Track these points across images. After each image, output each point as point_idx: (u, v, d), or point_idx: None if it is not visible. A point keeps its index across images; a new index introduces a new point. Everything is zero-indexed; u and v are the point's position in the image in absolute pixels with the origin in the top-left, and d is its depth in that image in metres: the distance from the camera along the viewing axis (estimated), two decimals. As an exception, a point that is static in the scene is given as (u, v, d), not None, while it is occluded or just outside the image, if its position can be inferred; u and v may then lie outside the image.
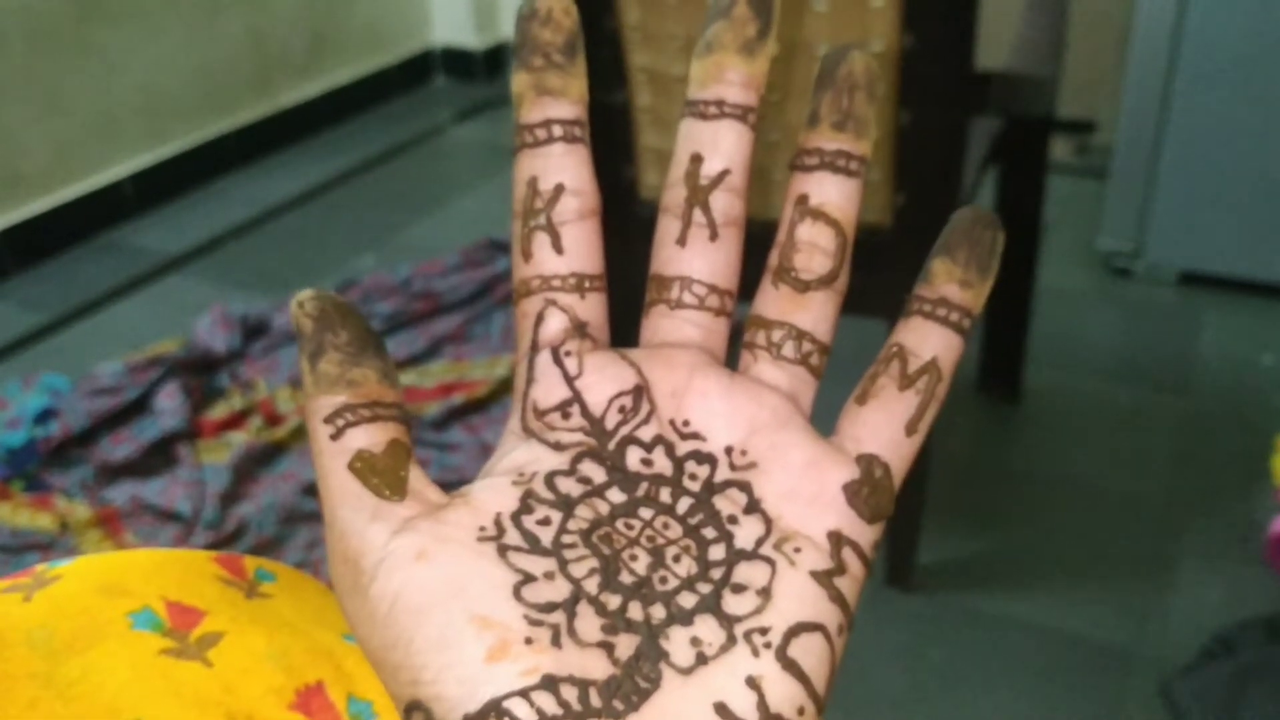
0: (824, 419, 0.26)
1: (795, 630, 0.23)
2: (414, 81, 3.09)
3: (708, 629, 0.23)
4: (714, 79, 0.27)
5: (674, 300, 0.27)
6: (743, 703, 0.22)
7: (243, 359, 1.85)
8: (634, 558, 0.24)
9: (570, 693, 0.22)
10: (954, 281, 0.26)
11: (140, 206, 2.39)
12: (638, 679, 0.22)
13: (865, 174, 0.27)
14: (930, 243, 0.27)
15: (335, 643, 0.36)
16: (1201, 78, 1.87)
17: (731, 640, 0.23)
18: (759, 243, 0.28)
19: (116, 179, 2.35)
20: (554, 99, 0.27)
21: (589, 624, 0.23)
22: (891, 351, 0.26)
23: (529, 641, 0.22)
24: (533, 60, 0.27)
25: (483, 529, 0.24)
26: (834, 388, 0.29)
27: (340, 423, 0.25)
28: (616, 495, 0.25)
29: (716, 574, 0.24)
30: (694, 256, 0.27)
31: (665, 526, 0.25)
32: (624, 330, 0.29)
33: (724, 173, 0.27)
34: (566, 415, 0.26)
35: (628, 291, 0.41)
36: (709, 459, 0.26)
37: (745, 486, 0.25)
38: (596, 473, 0.25)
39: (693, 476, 0.26)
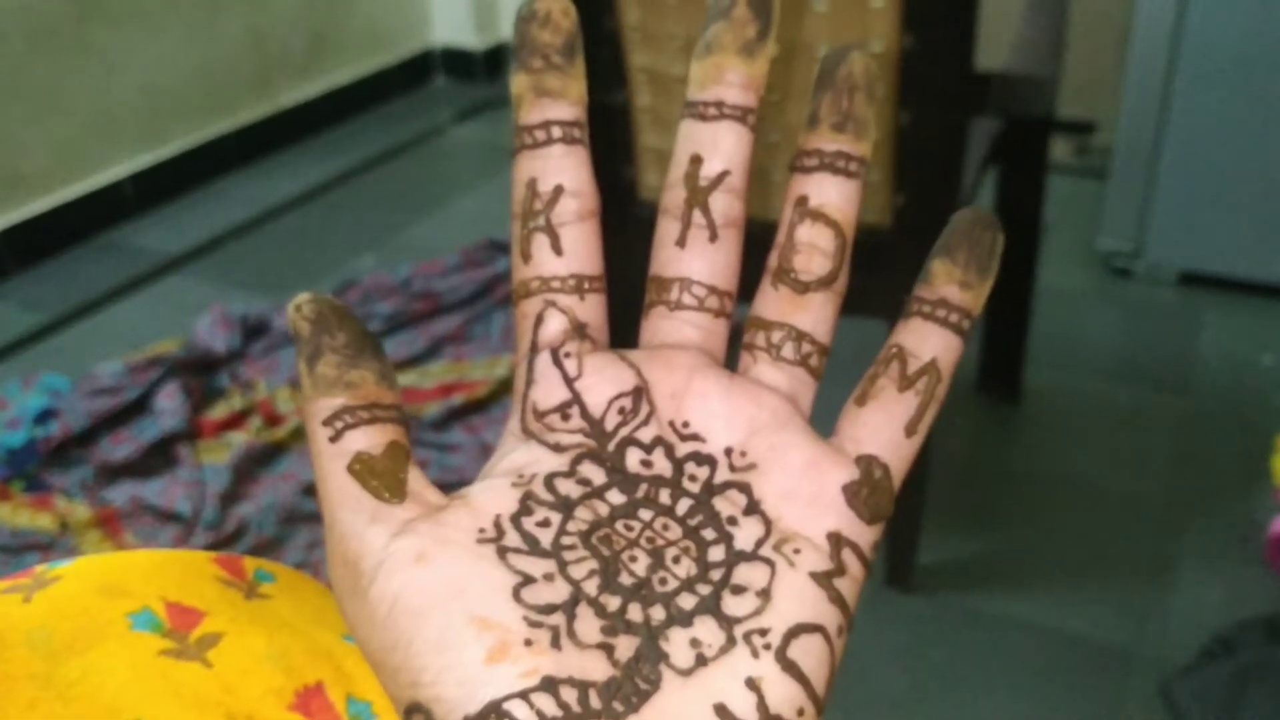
0: (824, 420, 0.26)
1: (795, 631, 0.23)
2: (414, 82, 3.09)
3: (707, 630, 0.23)
4: (713, 80, 0.27)
5: (673, 301, 0.27)
6: (742, 704, 0.22)
7: (243, 359, 1.85)
8: (633, 559, 0.24)
9: (570, 694, 0.22)
10: (953, 283, 0.26)
11: (140, 206, 2.39)
12: (637, 680, 0.22)
13: (865, 175, 0.27)
14: (930, 243, 0.27)
15: (335, 643, 0.36)
16: (1201, 78, 1.87)
17: (731, 641, 0.23)
18: (759, 244, 0.28)
19: (116, 179, 2.35)
20: (553, 100, 0.27)
21: (589, 625, 0.23)
22: (891, 352, 0.26)
23: (529, 643, 0.22)
24: (532, 62, 0.26)
25: (482, 531, 0.24)
26: (834, 388, 0.29)
27: (339, 425, 0.24)
28: (616, 497, 0.25)
29: (716, 575, 0.24)
30: (693, 258, 0.27)
31: (665, 528, 0.25)
32: (624, 331, 0.29)
33: (723, 174, 0.27)
34: (566, 417, 0.26)
35: (628, 292, 0.41)
36: (708, 460, 0.26)
37: (745, 488, 0.25)
38: (596, 474, 0.25)
39: (692, 478, 0.26)
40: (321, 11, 2.78)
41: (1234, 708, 1.21)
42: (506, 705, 0.21)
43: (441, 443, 1.69)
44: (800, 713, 0.23)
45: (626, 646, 0.23)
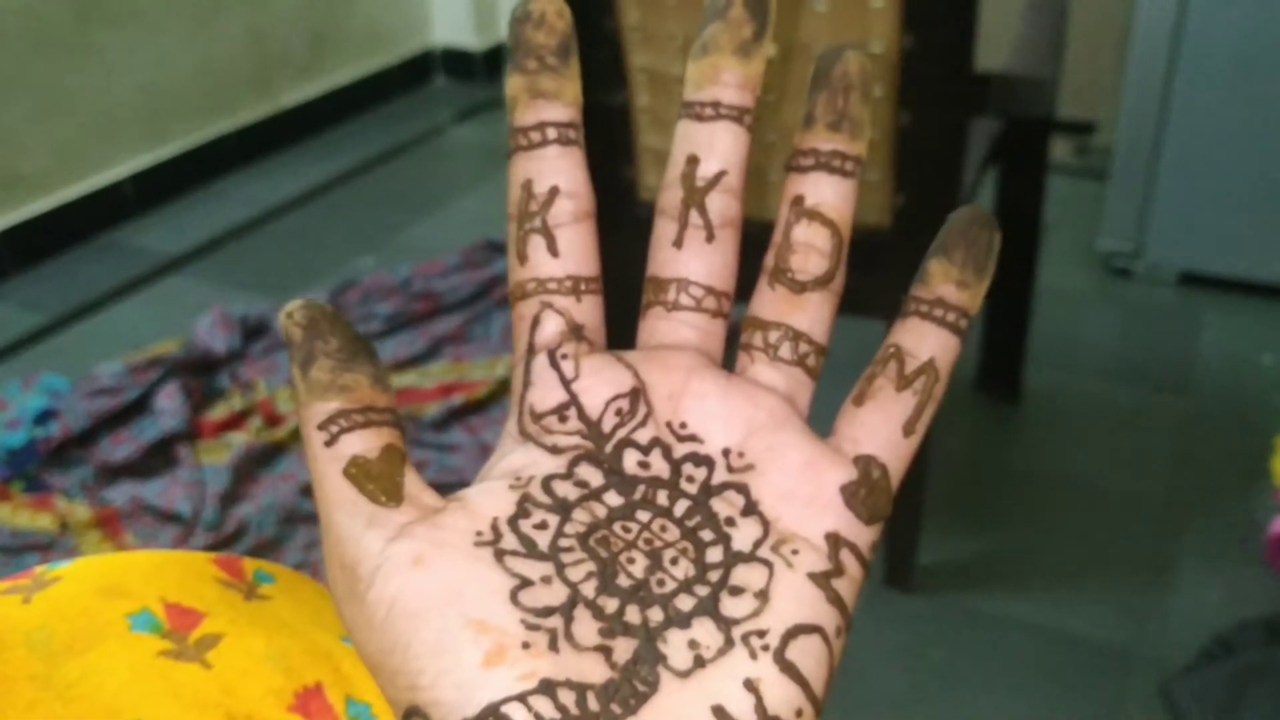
0: (822, 420, 0.26)
1: (793, 632, 0.23)
2: (414, 82, 3.09)
3: (705, 632, 0.23)
4: (710, 80, 0.27)
5: (671, 302, 0.27)
6: (741, 705, 0.22)
7: (243, 359, 1.85)
8: (631, 561, 0.24)
9: (568, 697, 0.22)
10: (950, 282, 0.26)
11: (140, 207, 2.39)
12: (635, 682, 0.22)
13: (861, 174, 0.27)
14: (930, 244, 0.27)
15: (334, 644, 0.36)
16: (1201, 78, 1.87)
17: (729, 643, 0.23)
18: (757, 244, 0.28)
19: (116, 179, 2.35)
20: (548, 102, 0.27)
21: (586, 628, 0.23)
22: (889, 352, 0.26)
23: (526, 646, 0.22)
24: (526, 63, 0.26)
25: (479, 534, 0.24)
26: (832, 388, 0.29)
27: (334, 429, 0.24)
28: (614, 498, 0.25)
29: (714, 576, 0.24)
30: (691, 258, 0.27)
31: (663, 529, 0.25)
32: (625, 332, 0.29)
33: (720, 174, 0.27)
34: (563, 418, 0.26)
35: (628, 293, 0.41)
36: (706, 461, 0.26)
37: (743, 488, 0.25)
38: (593, 476, 0.25)
39: (690, 479, 0.26)
40: (321, 11, 2.78)
41: (1234, 708, 1.21)
42: (504, 708, 0.21)
43: (441, 443, 1.69)
44: (799, 714, 0.23)
45: (624, 648, 0.23)
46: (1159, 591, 1.42)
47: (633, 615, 0.23)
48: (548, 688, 0.22)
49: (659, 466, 0.26)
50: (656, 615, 0.23)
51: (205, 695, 0.33)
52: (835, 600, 0.24)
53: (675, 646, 0.23)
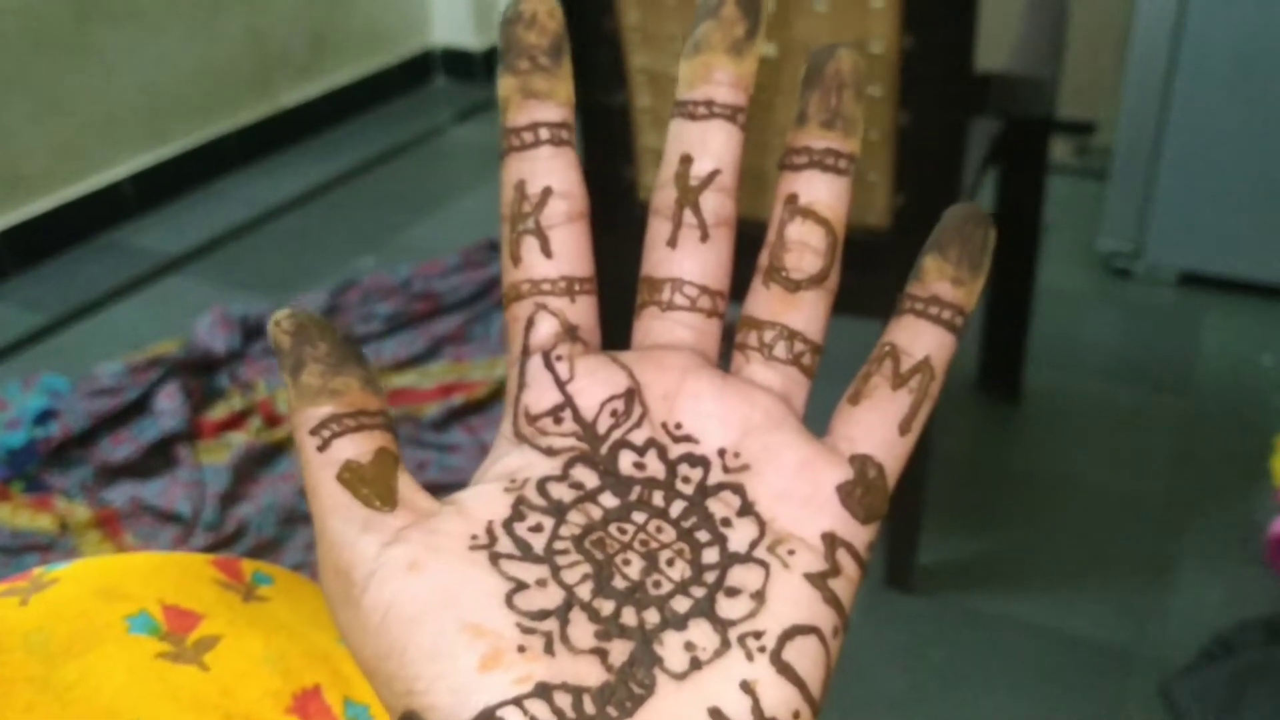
0: (818, 419, 0.26)
1: (790, 633, 0.23)
2: (414, 82, 3.09)
3: (702, 633, 0.23)
4: (702, 79, 0.27)
5: (665, 302, 0.27)
6: (737, 707, 0.22)
7: (242, 359, 1.85)
8: (627, 562, 0.24)
9: (564, 700, 0.22)
10: (945, 279, 0.26)
11: (140, 207, 2.39)
12: (632, 685, 0.22)
13: (854, 172, 0.27)
14: (930, 242, 0.27)
15: (332, 646, 0.36)
16: (1201, 78, 1.87)
17: (725, 644, 0.23)
18: (752, 243, 0.28)
19: (116, 179, 2.35)
20: (540, 102, 0.26)
21: (582, 630, 0.23)
22: (884, 350, 0.26)
23: (522, 649, 0.22)
24: (518, 64, 0.26)
25: (474, 537, 0.24)
26: (830, 387, 0.29)
27: (326, 434, 0.24)
28: (609, 500, 0.25)
29: (710, 577, 0.24)
30: (685, 258, 0.27)
31: (658, 530, 0.25)
32: (627, 332, 0.29)
33: (714, 173, 0.27)
34: (558, 420, 0.26)
35: (629, 294, 0.41)
36: (702, 461, 0.26)
37: (738, 489, 0.25)
38: (589, 477, 0.25)
39: (686, 479, 0.25)
40: (321, 11, 2.78)
41: (1234, 708, 1.21)
42: (500, 712, 0.21)
43: (441, 443, 1.69)
44: (796, 715, 0.23)
45: (620, 651, 0.23)
46: (1159, 591, 1.42)
47: (629, 617, 0.23)
48: (544, 691, 0.22)
49: (654, 467, 0.26)
50: (653, 617, 0.23)
51: (203, 697, 0.33)
52: (832, 600, 0.24)
53: (671, 648, 0.23)
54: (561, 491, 0.25)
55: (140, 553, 0.37)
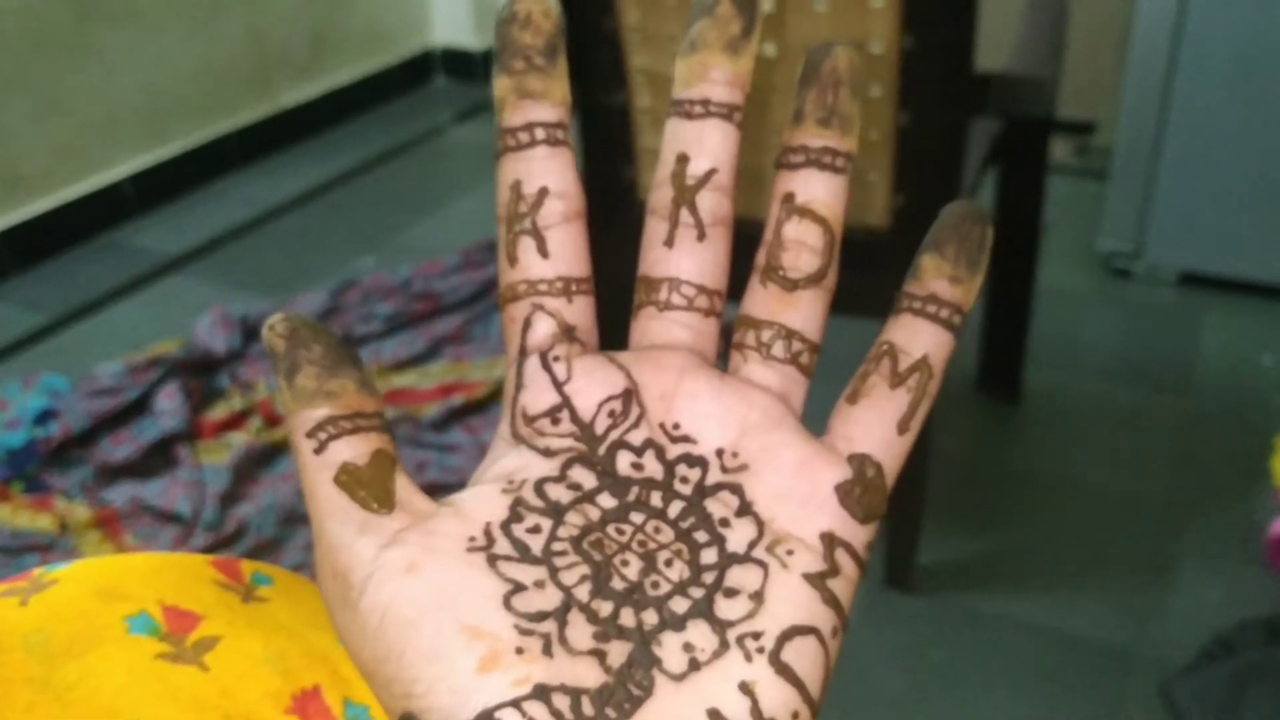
0: (817, 419, 0.26)
1: (788, 634, 0.23)
2: (414, 82, 3.09)
3: (700, 634, 0.23)
4: (698, 78, 0.27)
5: (662, 302, 0.27)
6: (736, 708, 0.22)
7: (242, 359, 1.85)
8: (625, 563, 0.24)
9: (562, 701, 0.22)
10: (943, 277, 0.26)
11: (140, 207, 2.39)
12: (630, 686, 0.22)
13: (852, 170, 0.27)
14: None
15: (332, 647, 0.36)
16: (1201, 78, 1.87)
17: (724, 645, 0.23)
18: (750, 242, 0.28)
19: (116, 179, 2.35)
20: (535, 102, 0.26)
21: (580, 632, 0.23)
22: (882, 349, 0.26)
23: (520, 651, 0.22)
24: (513, 64, 0.26)
25: (472, 539, 0.24)
26: (828, 387, 0.29)
27: (323, 436, 0.24)
28: (607, 500, 0.25)
29: (708, 578, 0.24)
30: (682, 257, 0.27)
31: (657, 531, 0.25)
32: (621, 332, 0.29)
33: (710, 172, 0.27)
34: (556, 421, 0.26)
35: (629, 294, 0.41)
36: (700, 462, 0.26)
37: (737, 489, 0.25)
38: (587, 478, 0.25)
39: (684, 480, 0.25)
40: (321, 11, 2.78)
41: (1234, 708, 1.21)
42: (499, 714, 0.21)
43: (441, 443, 1.69)
44: (795, 716, 0.23)
45: (619, 652, 0.23)
46: (1159, 591, 1.42)
47: (627, 618, 0.23)
48: (542, 693, 0.22)
49: (652, 468, 0.25)
50: (651, 618, 0.23)
51: (203, 698, 0.33)
52: (831, 601, 0.24)
53: (670, 649, 0.23)
54: (559, 492, 0.25)
55: (140, 553, 0.37)
